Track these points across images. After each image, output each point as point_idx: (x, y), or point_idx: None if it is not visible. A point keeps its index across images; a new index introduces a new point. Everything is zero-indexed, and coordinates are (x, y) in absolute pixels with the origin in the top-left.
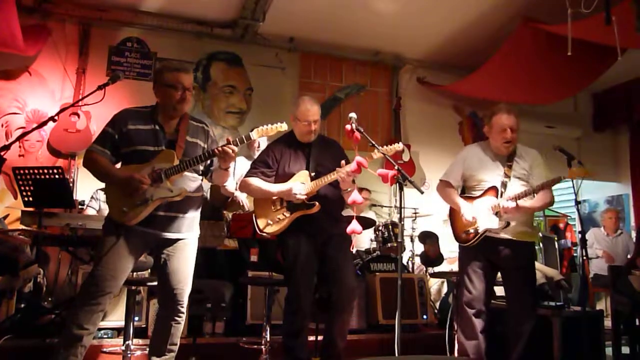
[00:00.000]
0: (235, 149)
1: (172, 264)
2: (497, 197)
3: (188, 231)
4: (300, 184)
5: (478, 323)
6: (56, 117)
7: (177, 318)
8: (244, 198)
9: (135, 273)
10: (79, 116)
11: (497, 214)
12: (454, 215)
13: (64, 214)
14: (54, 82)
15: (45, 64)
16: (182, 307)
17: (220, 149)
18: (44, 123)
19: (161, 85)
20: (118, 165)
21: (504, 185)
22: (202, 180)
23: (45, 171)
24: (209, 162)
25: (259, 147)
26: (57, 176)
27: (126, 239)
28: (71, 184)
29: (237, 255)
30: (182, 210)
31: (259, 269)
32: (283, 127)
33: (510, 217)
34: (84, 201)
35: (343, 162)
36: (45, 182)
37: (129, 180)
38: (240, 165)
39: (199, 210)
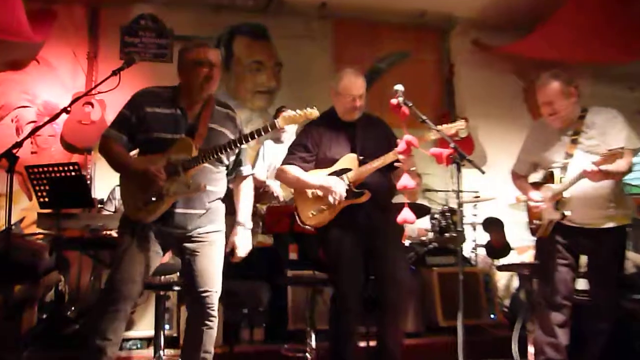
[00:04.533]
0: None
1: (198, 263)
2: (553, 183)
3: (211, 226)
4: (342, 183)
5: (558, 318)
6: (69, 109)
7: (208, 322)
8: (277, 187)
9: (163, 276)
10: (92, 106)
11: (557, 203)
12: (527, 206)
13: (83, 214)
14: (64, 70)
15: (54, 50)
16: (213, 310)
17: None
18: (57, 116)
19: (185, 64)
20: (135, 152)
21: (564, 168)
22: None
23: (61, 168)
24: (235, 158)
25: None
26: (73, 173)
27: (144, 238)
28: (89, 181)
29: (274, 253)
30: (202, 206)
31: (299, 267)
32: (313, 113)
33: (569, 207)
34: (102, 199)
35: (399, 141)
36: (61, 181)
37: (144, 174)
38: (269, 150)
39: (222, 201)
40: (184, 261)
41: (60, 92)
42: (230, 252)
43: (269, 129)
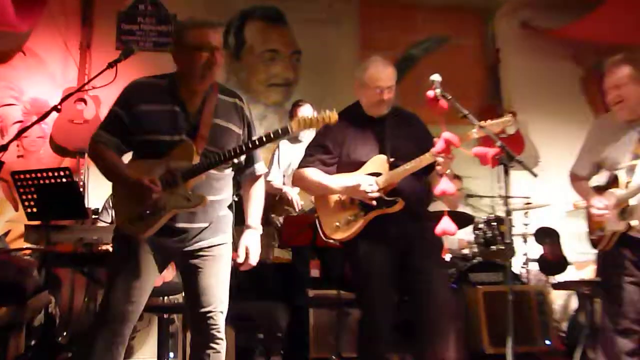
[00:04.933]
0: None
1: (201, 280)
2: (618, 187)
3: (216, 238)
4: (369, 177)
5: (626, 346)
6: (59, 107)
7: (214, 346)
8: (295, 194)
9: (166, 297)
10: (86, 103)
11: (623, 210)
12: (588, 214)
13: (76, 226)
14: (53, 62)
15: (42, 40)
16: (219, 331)
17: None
18: (46, 115)
19: (182, 48)
20: (130, 156)
21: (631, 169)
22: (232, 174)
23: (50, 174)
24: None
25: None
26: (64, 179)
27: (140, 253)
28: (82, 189)
29: (293, 269)
30: (207, 218)
31: (322, 286)
32: (333, 117)
33: (637, 216)
34: (97, 209)
35: (436, 139)
36: (50, 188)
37: (137, 185)
38: (285, 152)
39: (230, 209)
40: (185, 278)
41: (49, 87)
42: (237, 261)
43: (280, 135)
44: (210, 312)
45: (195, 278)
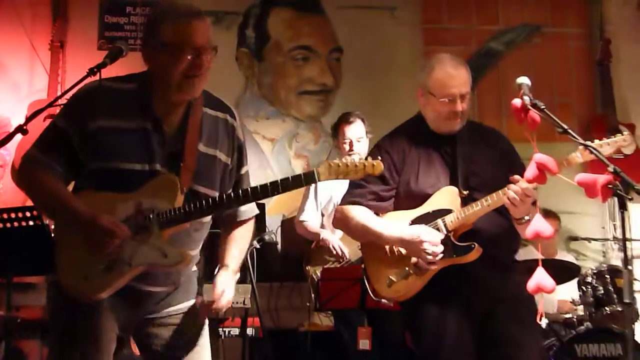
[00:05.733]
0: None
1: (164, 354)
2: None
3: (187, 300)
4: (435, 234)
5: None
6: (25, 127)
7: None
8: (336, 241)
9: None
10: None
11: None
12: None
13: (46, 285)
14: (16, 68)
15: (1, 39)
16: None
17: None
18: (8, 138)
19: (156, 46)
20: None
21: None
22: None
23: (12, 215)
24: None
25: (352, 149)
26: (31, 222)
27: (88, 318)
28: (53, 234)
29: (334, 339)
30: (174, 281)
31: None
32: (377, 168)
33: None
34: None
35: (515, 177)
36: (13, 234)
37: (92, 226)
38: (327, 185)
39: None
40: (148, 352)
41: (11, 100)
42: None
43: (302, 183)
44: None
45: (161, 354)
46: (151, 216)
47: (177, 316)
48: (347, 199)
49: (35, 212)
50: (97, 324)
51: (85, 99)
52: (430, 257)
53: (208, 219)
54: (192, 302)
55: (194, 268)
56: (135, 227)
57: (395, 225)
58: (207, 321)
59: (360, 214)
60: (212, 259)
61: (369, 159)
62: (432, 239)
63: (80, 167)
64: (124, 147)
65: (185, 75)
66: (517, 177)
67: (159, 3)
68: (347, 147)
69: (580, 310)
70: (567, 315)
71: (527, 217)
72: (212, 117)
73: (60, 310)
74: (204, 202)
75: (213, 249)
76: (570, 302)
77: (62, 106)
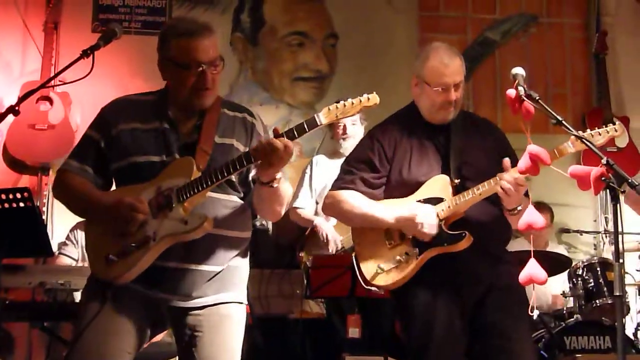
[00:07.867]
0: (286, 145)
1: (202, 348)
2: None
3: (224, 294)
4: (429, 207)
5: None
6: (17, 107)
7: None
8: (330, 229)
9: None
10: (51, 102)
11: None
12: None
13: (36, 266)
14: (9, 48)
15: None
16: None
17: (257, 146)
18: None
19: (167, 62)
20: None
21: None
22: (248, 209)
23: (3, 196)
24: (248, 175)
25: (345, 132)
26: (22, 203)
27: (117, 306)
28: (44, 216)
29: (325, 327)
30: (209, 259)
31: (363, 349)
32: (372, 100)
33: None
34: (65, 243)
35: (506, 160)
36: (3, 215)
37: (116, 208)
38: (321, 169)
39: (245, 255)
40: (181, 342)
41: (3, 81)
42: None
43: (306, 129)
44: None
45: (194, 345)
46: (169, 194)
47: (214, 309)
48: (338, 185)
49: (25, 194)
50: (124, 310)
51: (110, 109)
52: (427, 232)
53: (236, 198)
54: (232, 295)
55: (236, 263)
56: (157, 205)
57: (390, 207)
58: (242, 328)
59: (353, 197)
60: None
61: (363, 96)
62: (429, 217)
63: (109, 169)
64: (142, 143)
65: (194, 89)
66: (507, 160)
67: (172, 20)
68: (340, 131)
69: (570, 302)
70: (558, 308)
71: (519, 208)
72: (229, 116)
73: (90, 298)
74: (212, 174)
75: None
76: (562, 294)
77: (54, 87)
